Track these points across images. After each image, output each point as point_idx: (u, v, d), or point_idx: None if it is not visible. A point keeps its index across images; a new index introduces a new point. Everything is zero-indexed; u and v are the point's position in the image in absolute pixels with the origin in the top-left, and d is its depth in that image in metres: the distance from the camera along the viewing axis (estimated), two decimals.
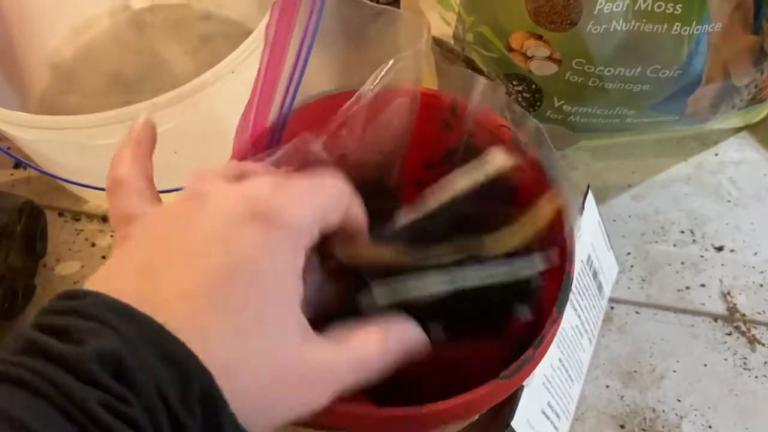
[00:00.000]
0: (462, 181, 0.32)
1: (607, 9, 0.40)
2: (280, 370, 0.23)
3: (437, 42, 0.48)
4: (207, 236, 0.23)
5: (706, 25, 0.41)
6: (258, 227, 0.23)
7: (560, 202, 0.32)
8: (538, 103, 0.46)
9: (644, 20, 0.40)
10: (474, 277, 0.30)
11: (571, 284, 0.33)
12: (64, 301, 0.21)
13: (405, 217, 0.32)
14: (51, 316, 0.21)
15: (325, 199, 0.26)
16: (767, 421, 0.45)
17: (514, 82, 0.46)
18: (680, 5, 0.40)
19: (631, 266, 0.51)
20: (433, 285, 0.29)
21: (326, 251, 0.30)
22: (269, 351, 0.23)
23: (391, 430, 0.32)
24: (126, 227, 0.26)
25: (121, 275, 0.23)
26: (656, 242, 0.52)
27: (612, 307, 0.49)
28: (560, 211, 0.32)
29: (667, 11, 0.40)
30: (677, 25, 0.40)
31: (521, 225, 0.31)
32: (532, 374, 0.38)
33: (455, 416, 0.32)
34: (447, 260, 0.30)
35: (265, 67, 0.35)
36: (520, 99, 0.47)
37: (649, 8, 0.40)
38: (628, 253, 0.52)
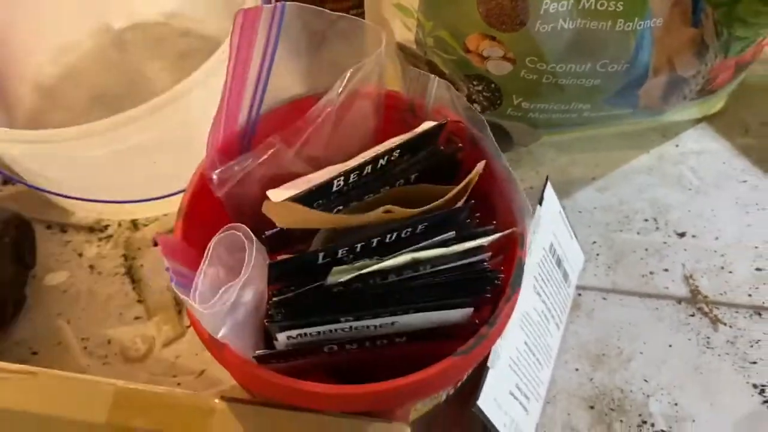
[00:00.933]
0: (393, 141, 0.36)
1: (553, 9, 0.42)
2: None
3: (401, 47, 0.51)
4: None
5: (648, 21, 0.43)
6: None
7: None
8: (498, 102, 0.49)
9: (589, 18, 0.43)
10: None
11: (523, 266, 0.35)
12: None
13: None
14: None
15: None
16: (731, 397, 0.47)
17: (474, 83, 0.48)
18: (621, 3, 0.42)
19: (597, 255, 0.53)
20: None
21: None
22: None
23: (356, 408, 0.34)
24: None
25: None
26: (621, 231, 0.54)
27: (579, 294, 0.51)
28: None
29: (609, 9, 0.42)
30: (620, 22, 0.43)
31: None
32: (497, 356, 0.40)
33: (417, 392, 0.34)
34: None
35: (231, 74, 0.37)
36: (481, 98, 0.49)
37: (593, 6, 0.42)
38: (594, 242, 0.54)
